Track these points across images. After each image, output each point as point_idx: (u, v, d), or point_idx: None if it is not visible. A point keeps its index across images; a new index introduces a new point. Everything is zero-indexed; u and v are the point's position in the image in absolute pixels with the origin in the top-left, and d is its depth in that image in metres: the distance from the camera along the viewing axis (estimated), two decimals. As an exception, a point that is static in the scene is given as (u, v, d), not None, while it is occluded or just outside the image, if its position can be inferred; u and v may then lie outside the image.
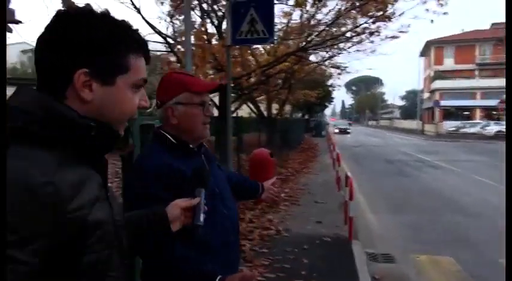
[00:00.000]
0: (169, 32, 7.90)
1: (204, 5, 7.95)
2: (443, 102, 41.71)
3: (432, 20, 7.19)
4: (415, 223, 6.19)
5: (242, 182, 1.91)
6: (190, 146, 1.46)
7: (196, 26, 7.58)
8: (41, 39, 0.85)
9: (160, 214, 1.20)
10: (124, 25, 0.89)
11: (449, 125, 36.44)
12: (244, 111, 13.34)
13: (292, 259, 4.24)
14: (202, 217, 1.20)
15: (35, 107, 0.78)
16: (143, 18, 6.87)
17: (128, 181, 1.41)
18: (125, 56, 0.88)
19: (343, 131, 42.39)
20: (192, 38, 5.87)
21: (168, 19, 8.55)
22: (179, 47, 6.56)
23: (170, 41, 7.53)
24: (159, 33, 7.29)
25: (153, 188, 1.30)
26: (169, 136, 1.45)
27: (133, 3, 6.57)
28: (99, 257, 0.80)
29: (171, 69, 5.78)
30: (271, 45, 10.30)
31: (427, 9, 7.09)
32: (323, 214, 6.31)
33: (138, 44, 0.91)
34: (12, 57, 24.62)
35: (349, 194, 5.08)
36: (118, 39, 0.87)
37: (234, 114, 8.94)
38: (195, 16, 8.82)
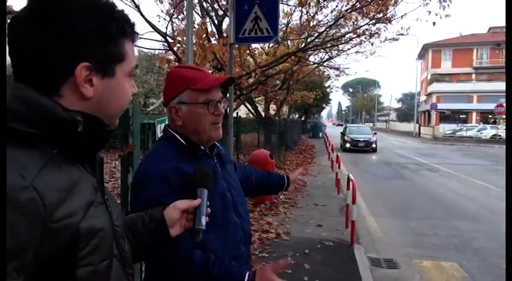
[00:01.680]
0: (169, 30, 7.80)
1: (204, 4, 7.86)
2: (440, 106, 41.81)
3: (434, 23, 7.11)
4: (416, 228, 6.11)
5: (264, 177, 1.78)
6: (202, 147, 1.34)
7: (196, 24, 7.48)
8: (26, 22, 0.70)
9: (157, 217, 1.07)
10: (113, 6, 0.77)
11: (446, 128, 36.50)
12: (242, 111, 13.24)
13: (293, 265, 4.13)
14: (204, 220, 1.08)
15: (17, 102, 0.67)
16: (142, 16, 6.76)
17: (132, 182, 1.29)
18: (120, 41, 0.77)
19: (364, 148, 19.66)
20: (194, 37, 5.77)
21: (167, 18, 8.48)
22: (178, 45, 6.45)
23: (169, 39, 7.43)
24: (158, 31, 7.19)
25: (156, 192, 1.19)
26: (178, 136, 1.32)
27: (132, 0, 6.45)
28: (95, 271, 0.69)
29: (171, 68, 5.67)
30: (272, 45, 10.27)
31: (429, 12, 7.01)
32: (323, 217, 6.21)
33: (130, 27, 0.80)
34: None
35: (352, 198, 4.97)
36: (113, 22, 0.75)
37: (234, 115, 8.85)
38: (195, 15, 8.75)
